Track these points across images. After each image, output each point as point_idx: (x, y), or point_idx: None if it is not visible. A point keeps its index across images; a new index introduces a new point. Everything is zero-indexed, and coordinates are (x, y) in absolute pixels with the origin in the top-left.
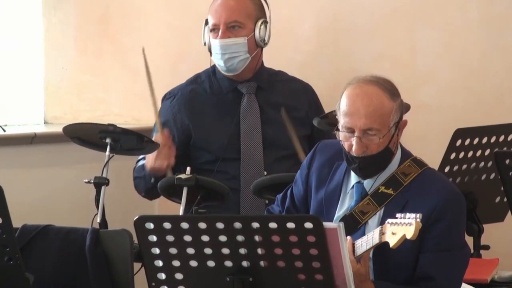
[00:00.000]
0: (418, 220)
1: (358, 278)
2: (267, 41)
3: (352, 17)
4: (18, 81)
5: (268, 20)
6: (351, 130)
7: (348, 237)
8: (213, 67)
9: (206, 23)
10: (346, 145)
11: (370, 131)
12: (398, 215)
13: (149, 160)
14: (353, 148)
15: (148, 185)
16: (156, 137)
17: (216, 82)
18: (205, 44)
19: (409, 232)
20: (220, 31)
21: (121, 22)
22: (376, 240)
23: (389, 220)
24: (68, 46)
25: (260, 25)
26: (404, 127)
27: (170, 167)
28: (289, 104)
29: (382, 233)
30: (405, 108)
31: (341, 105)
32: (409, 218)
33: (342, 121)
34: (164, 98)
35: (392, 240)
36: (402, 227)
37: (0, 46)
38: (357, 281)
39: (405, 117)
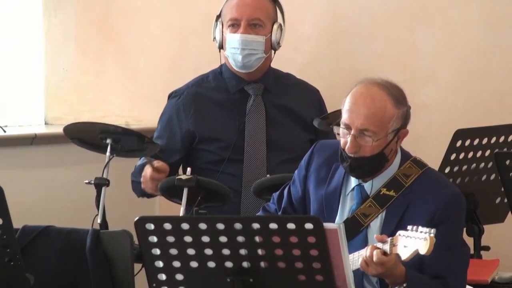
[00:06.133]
0: (432, 235)
1: (389, 266)
2: (281, 45)
3: (352, 17)
4: (18, 82)
5: (282, 24)
6: (348, 128)
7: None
8: (220, 67)
9: (217, 18)
10: (342, 142)
11: (366, 131)
12: (409, 227)
13: (147, 188)
14: (347, 146)
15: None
16: (151, 173)
17: (223, 82)
18: (214, 39)
19: (423, 247)
20: (242, 26)
21: (121, 22)
22: (387, 251)
23: (401, 232)
24: (69, 47)
25: (277, 28)
26: (405, 136)
27: None
28: (295, 107)
29: (393, 245)
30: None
31: (346, 101)
32: (421, 232)
33: (343, 117)
34: (170, 96)
35: (404, 254)
36: (415, 241)
37: (1, 47)
38: (389, 266)
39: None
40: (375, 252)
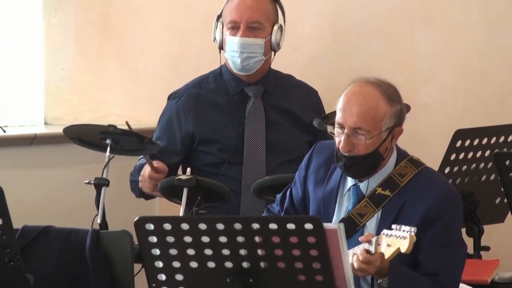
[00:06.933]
0: (412, 234)
1: (377, 265)
2: (281, 46)
3: (352, 17)
4: (18, 82)
5: (283, 25)
6: (342, 127)
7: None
8: (220, 68)
9: (218, 19)
10: (337, 141)
11: (359, 130)
12: (393, 226)
13: (145, 187)
14: (340, 145)
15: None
16: (150, 173)
17: (223, 83)
18: (214, 40)
19: (403, 245)
20: (241, 29)
21: (121, 22)
22: (372, 251)
23: (385, 231)
24: (69, 47)
25: (277, 30)
26: (400, 134)
27: None
28: (294, 109)
29: (377, 244)
30: (405, 108)
31: (339, 101)
32: (403, 231)
33: (337, 116)
34: (170, 97)
35: (387, 252)
36: (397, 240)
37: (1, 47)
38: (377, 264)
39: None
40: (360, 252)
